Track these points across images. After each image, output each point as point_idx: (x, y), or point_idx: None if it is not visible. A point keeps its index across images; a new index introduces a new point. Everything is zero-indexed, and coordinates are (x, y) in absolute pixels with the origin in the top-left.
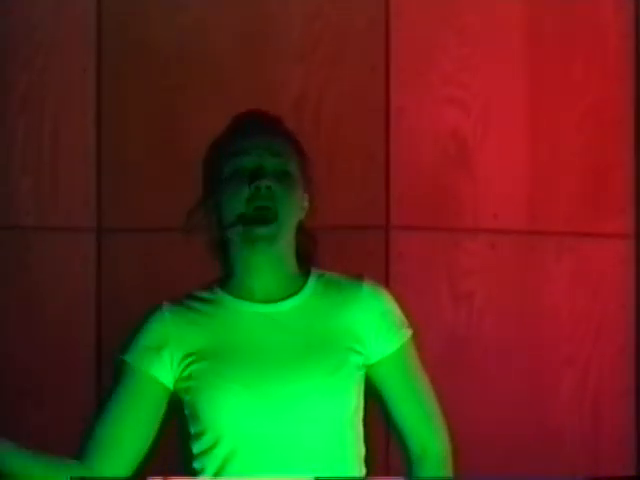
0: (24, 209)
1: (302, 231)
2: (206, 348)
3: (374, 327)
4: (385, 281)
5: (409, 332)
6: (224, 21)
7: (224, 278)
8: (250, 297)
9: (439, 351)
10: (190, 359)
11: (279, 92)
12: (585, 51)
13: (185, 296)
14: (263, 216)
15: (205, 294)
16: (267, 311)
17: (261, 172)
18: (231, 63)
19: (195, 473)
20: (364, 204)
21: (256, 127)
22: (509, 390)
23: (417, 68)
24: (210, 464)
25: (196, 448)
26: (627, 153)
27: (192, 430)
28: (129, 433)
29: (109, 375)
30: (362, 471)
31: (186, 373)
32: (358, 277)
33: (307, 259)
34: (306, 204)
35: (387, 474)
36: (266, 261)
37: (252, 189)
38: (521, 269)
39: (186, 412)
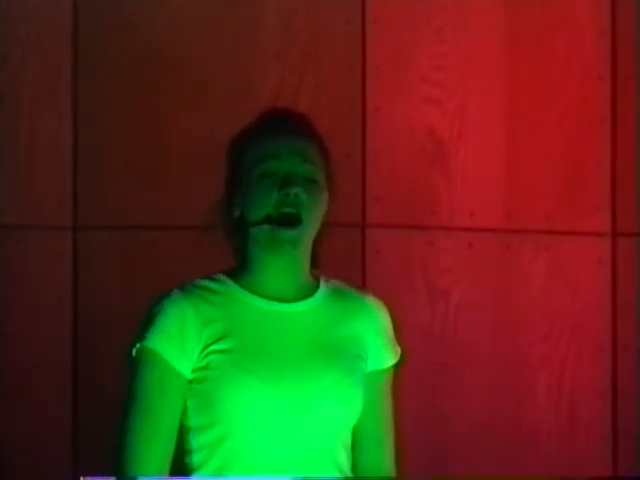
0: (0, 207)
1: (320, 231)
2: (225, 339)
3: (375, 340)
4: (362, 279)
5: (399, 353)
6: (202, 19)
7: (234, 270)
8: (264, 294)
9: (415, 349)
10: (210, 349)
11: (256, 89)
12: (562, 49)
13: (192, 284)
14: (289, 219)
15: (212, 284)
16: (283, 310)
17: (291, 179)
18: (208, 60)
19: (187, 468)
20: (340, 202)
21: (287, 129)
22: (485, 389)
23: (393, 66)
24: (214, 458)
25: (199, 440)
26: (604, 152)
27: (196, 422)
28: (170, 431)
29: (85, 371)
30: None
31: (204, 362)
32: (362, 289)
33: (317, 258)
34: (326, 205)
35: None
36: (286, 263)
37: (281, 195)
38: (497, 268)
39: (191, 403)
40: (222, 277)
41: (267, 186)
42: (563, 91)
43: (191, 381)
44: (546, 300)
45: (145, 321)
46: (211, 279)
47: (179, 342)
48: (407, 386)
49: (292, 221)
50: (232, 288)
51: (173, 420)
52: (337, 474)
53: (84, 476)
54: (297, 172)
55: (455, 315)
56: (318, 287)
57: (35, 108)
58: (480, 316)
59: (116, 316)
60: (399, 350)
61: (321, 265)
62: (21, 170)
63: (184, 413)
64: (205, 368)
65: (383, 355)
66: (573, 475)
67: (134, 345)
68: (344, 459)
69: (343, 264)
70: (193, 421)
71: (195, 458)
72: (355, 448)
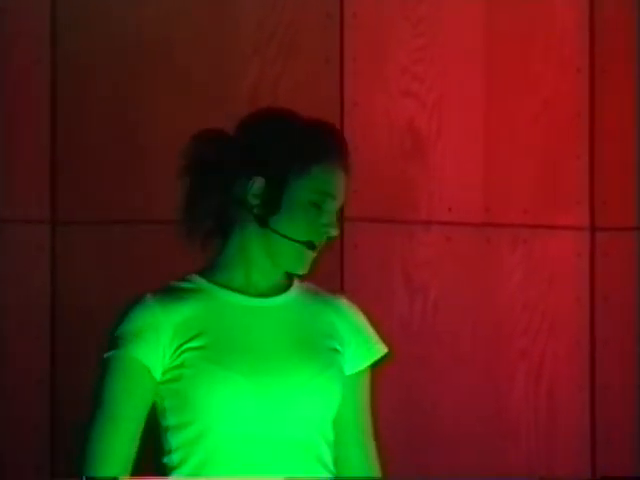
0: None
1: None
2: (199, 337)
3: (352, 338)
4: (340, 272)
5: (384, 348)
6: (181, 13)
7: (206, 268)
8: (240, 290)
9: (393, 343)
10: (184, 347)
11: (234, 84)
12: (541, 43)
13: (165, 287)
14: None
15: (186, 284)
16: (257, 305)
17: (336, 221)
18: (188, 54)
19: (165, 468)
20: None
21: (345, 166)
22: (463, 383)
23: (372, 60)
24: (192, 457)
25: (176, 440)
26: (582, 146)
27: (174, 421)
28: (136, 434)
29: (63, 369)
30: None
31: (178, 361)
32: (335, 293)
33: None
34: None
35: None
36: (273, 264)
37: (325, 235)
38: (476, 262)
39: (167, 403)
40: (195, 277)
41: (317, 216)
42: (542, 84)
43: (166, 381)
44: (524, 294)
45: (117, 326)
46: (184, 280)
47: (151, 346)
48: (386, 380)
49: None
50: (205, 286)
51: (138, 424)
52: (321, 469)
53: (62, 478)
54: (338, 212)
55: (434, 309)
56: (291, 285)
57: (13, 102)
58: (459, 310)
59: (95, 310)
60: (384, 347)
61: None
62: None
63: (160, 413)
64: (180, 366)
65: (362, 354)
66: (552, 474)
67: (107, 350)
68: (327, 454)
69: (321, 258)
70: (171, 420)
71: (174, 457)
72: (338, 446)
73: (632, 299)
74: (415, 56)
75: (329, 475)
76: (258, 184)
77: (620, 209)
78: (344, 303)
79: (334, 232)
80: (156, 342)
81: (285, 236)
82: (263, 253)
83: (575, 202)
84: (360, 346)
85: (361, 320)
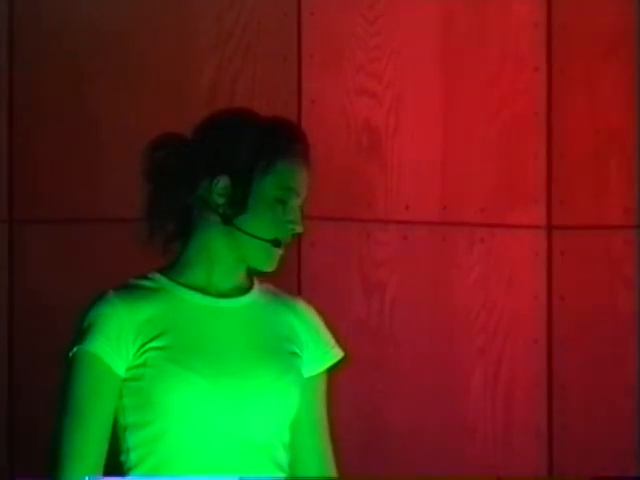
0: None
1: None
2: (161, 336)
3: (310, 341)
4: (297, 270)
5: (341, 353)
6: (139, 9)
7: (168, 267)
8: (202, 289)
9: (350, 342)
10: (146, 347)
11: (192, 82)
12: (498, 41)
13: (127, 285)
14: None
15: (147, 282)
16: (219, 305)
17: (300, 218)
18: (145, 53)
19: (122, 466)
20: None
21: (307, 162)
22: (421, 382)
23: (329, 58)
24: (151, 455)
25: (135, 438)
26: (540, 144)
27: (133, 419)
28: (106, 432)
29: (21, 368)
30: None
31: (141, 360)
32: (293, 295)
33: None
34: None
35: None
36: (238, 263)
37: (291, 232)
38: (433, 260)
39: (127, 401)
40: (157, 275)
41: (282, 213)
42: (499, 83)
43: (128, 379)
44: (482, 293)
45: (80, 323)
46: (146, 278)
47: (115, 343)
48: (342, 381)
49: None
50: (167, 285)
51: (107, 421)
52: (277, 472)
53: (21, 477)
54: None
55: (391, 308)
56: (252, 286)
57: None
58: (416, 309)
59: (53, 309)
60: (340, 352)
61: None
62: None
63: (119, 411)
64: (142, 365)
65: (319, 357)
66: (509, 474)
67: (70, 348)
68: (283, 457)
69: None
70: (130, 419)
71: (132, 456)
72: (294, 449)
73: (589, 298)
74: (372, 54)
75: (284, 476)
76: (223, 183)
77: (577, 208)
78: (303, 306)
79: (299, 229)
80: (118, 340)
81: (251, 234)
82: (226, 252)
83: (532, 201)
84: (317, 349)
85: (319, 323)
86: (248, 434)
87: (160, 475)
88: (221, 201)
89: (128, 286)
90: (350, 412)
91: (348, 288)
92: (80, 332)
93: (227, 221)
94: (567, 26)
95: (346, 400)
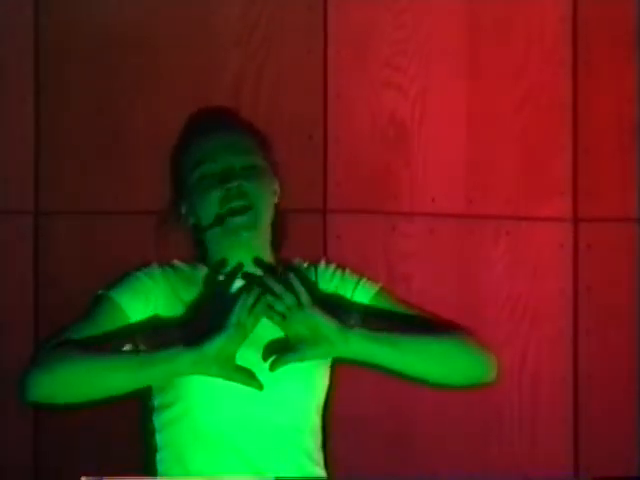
0: None
1: (277, 215)
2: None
3: (341, 291)
4: None
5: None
6: (163, 5)
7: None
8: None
9: None
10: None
11: (217, 75)
12: (523, 35)
13: (169, 264)
14: (239, 209)
15: (187, 268)
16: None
17: (229, 174)
18: (170, 46)
19: (150, 448)
20: (302, 187)
21: (215, 128)
22: None
23: (354, 51)
24: (174, 437)
25: (160, 420)
26: (566, 136)
27: (158, 401)
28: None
29: None
30: (321, 460)
31: None
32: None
33: (278, 242)
34: (277, 187)
35: None
36: (247, 253)
37: (223, 192)
38: (459, 253)
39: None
40: (198, 264)
41: (207, 187)
42: (524, 76)
43: None
44: (508, 285)
45: (117, 279)
46: (187, 264)
47: (142, 300)
48: (369, 373)
49: (241, 210)
50: (204, 272)
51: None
52: (300, 456)
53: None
54: (234, 165)
55: (416, 301)
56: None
57: None
58: (441, 302)
59: (77, 301)
60: (376, 284)
61: (282, 251)
62: None
63: (150, 394)
64: None
65: (359, 293)
66: (534, 464)
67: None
68: (309, 441)
69: (304, 249)
70: (156, 401)
71: (158, 437)
72: None
73: (615, 289)
74: (397, 47)
75: (310, 462)
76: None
77: (603, 200)
78: (321, 268)
79: (232, 185)
80: (146, 300)
81: (204, 228)
82: (223, 252)
83: (558, 193)
84: (350, 291)
85: (338, 272)
86: (269, 416)
87: (185, 455)
88: (191, 222)
89: (171, 264)
90: (377, 404)
91: (374, 280)
92: (111, 283)
93: (198, 230)
94: (592, 20)
95: (373, 391)
